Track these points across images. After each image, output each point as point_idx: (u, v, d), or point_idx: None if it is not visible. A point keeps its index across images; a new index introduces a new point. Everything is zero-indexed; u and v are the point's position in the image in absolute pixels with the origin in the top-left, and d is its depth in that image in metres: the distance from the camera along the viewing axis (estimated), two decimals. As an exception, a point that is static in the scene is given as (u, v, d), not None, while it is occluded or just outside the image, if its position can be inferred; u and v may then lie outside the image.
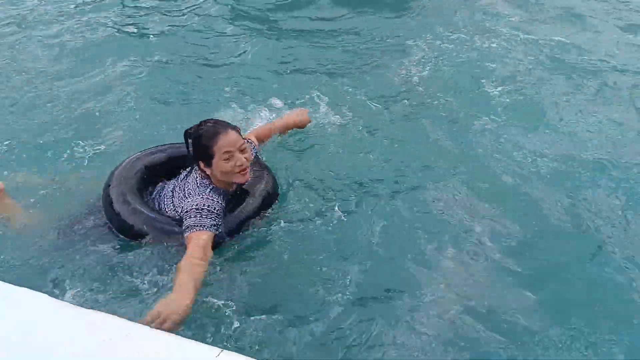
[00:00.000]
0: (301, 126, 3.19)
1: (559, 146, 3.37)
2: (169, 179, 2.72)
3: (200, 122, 2.49)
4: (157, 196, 2.66)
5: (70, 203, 2.76)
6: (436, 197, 2.93)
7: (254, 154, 2.74)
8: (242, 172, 2.46)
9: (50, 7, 5.34)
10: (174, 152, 2.80)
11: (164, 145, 2.88)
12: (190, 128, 2.51)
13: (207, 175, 2.48)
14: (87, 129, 3.44)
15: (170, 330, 1.81)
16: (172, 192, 2.57)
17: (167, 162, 2.78)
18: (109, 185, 2.59)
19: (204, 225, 2.32)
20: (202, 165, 2.46)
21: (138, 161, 2.73)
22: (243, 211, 2.53)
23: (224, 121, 2.58)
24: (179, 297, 2.00)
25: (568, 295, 2.42)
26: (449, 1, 5.39)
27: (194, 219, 2.33)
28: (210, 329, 2.16)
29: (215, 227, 2.35)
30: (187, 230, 2.32)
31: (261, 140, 3.01)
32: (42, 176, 2.94)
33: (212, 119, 2.55)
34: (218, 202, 2.43)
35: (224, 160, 2.41)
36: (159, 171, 2.76)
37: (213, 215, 2.37)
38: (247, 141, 2.71)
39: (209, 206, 2.38)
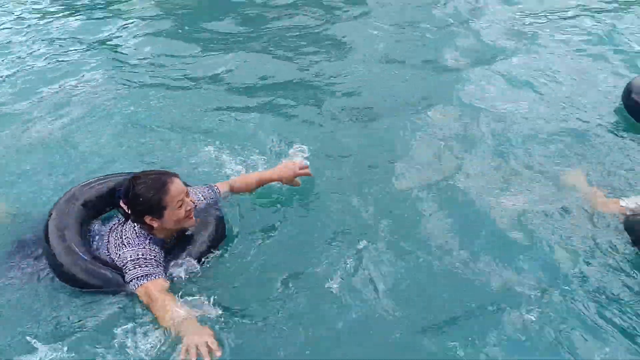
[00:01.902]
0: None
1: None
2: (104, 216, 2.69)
3: (135, 177, 2.40)
4: (95, 236, 2.60)
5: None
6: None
7: (213, 200, 2.72)
8: (190, 217, 2.45)
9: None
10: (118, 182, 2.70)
11: (107, 176, 2.82)
12: (122, 187, 2.44)
13: (148, 226, 2.41)
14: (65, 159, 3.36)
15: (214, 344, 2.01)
16: (108, 237, 2.50)
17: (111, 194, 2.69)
18: (48, 220, 2.52)
19: (158, 274, 2.31)
20: (148, 219, 2.38)
21: (81, 194, 2.64)
22: (181, 258, 2.47)
23: (163, 170, 2.54)
24: (187, 325, 2.10)
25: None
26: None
27: (144, 268, 2.31)
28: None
29: (163, 274, 2.34)
30: (138, 280, 2.29)
31: (237, 189, 2.85)
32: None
33: (148, 172, 2.47)
34: (159, 252, 2.40)
35: (177, 208, 2.38)
36: (103, 204, 2.69)
37: (160, 264, 2.35)
38: (209, 187, 2.75)
39: (154, 256, 2.36)
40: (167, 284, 2.30)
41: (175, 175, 2.46)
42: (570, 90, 4.12)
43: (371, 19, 5.45)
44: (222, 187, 2.82)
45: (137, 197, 2.34)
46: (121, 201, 2.41)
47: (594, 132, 3.56)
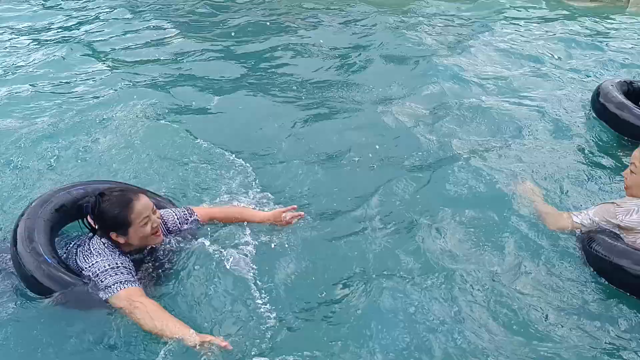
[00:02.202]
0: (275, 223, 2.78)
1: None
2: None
3: (102, 193, 2.38)
4: (66, 246, 2.54)
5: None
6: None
7: (188, 223, 2.65)
8: (157, 234, 2.43)
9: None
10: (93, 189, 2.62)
11: (86, 182, 2.77)
12: (87, 201, 2.39)
13: (115, 242, 2.38)
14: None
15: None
16: (76, 248, 2.46)
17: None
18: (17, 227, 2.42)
19: (127, 282, 2.26)
20: (114, 235, 2.36)
21: (55, 197, 2.57)
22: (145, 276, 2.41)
23: (129, 186, 2.50)
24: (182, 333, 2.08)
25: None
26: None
27: (114, 276, 2.27)
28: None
29: (135, 282, 2.29)
30: (109, 289, 2.24)
31: (217, 220, 2.78)
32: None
33: (115, 188, 2.46)
34: (130, 263, 2.37)
35: (142, 225, 2.36)
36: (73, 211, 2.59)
37: (130, 272, 2.32)
38: (186, 210, 2.69)
39: (123, 265, 2.32)
40: (140, 291, 2.27)
41: (142, 192, 2.45)
42: (542, 97, 4.25)
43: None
44: (202, 215, 2.76)
45: (102, 213, 2.33)
46: (89, 217, 2.39)
47: (562, 138, 3.65)
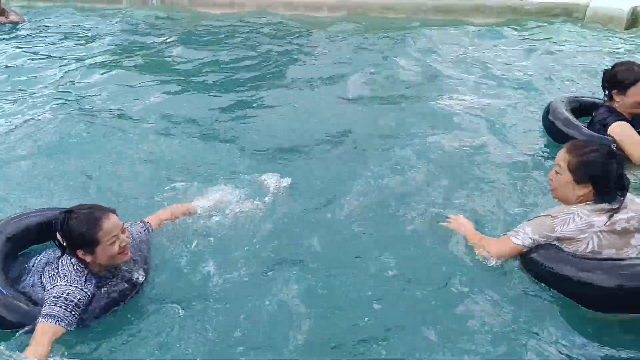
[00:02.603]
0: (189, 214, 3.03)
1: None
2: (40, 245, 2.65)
3: (70, 210, 2.38)
4: (30, 271, 2.54)
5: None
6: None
7: (145, 236, 2.73)
8: (125, 253, 2.43)
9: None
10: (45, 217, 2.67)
11: (37, 210, 2.79)
12: (56, 218, 2.40)
13: (82, 260, 2.38)
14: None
15: None
16: (43, 266, 2.47)
17: (38, 228, 2.66)
18: None
19: (63, 320, 2.24)
20: (81, 253, 2.36)
21: (6, 228, 2.61)
22: (111, 295, 2.41)
23: (98, 205, 2.48)
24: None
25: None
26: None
27: (58, 308, 2.25)
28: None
29: (71, 321, 2.27)
30: (45, 317, 2.24)
31: (160, 223, 2.93)
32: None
33: (84, 205, 2.44)
34: (88, 294, 2.34)
35: (110, 244, 2.36)
36: (31, 238, 2.67)
37: (77, 310, 2.29)
38: (142, 223, 2.80)
39: (79, 299, 2.30)
40: (60, 332, 2.23)
41: (111, 211, 2.43)
42: (494, 116, 4.34)
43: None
44: (153, 222, 2.88)
45: (70, 231, 2.33)
46: (57, 233, 2.39)
47: (511, 156, 3.71)
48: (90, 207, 2.42)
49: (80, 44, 6.94)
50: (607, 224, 2.32)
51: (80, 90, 5.24)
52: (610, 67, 3.57)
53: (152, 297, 2.52)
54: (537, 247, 2.41)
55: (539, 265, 2.38)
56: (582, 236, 2.32)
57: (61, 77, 5.65)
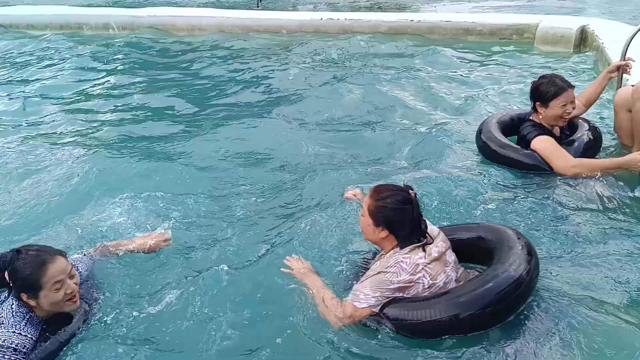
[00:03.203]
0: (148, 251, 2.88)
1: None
2: None
3: (19, 250, 2.28)
4: None
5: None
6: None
7: (87, 267, 2.61)
8: (72, 300, 2.31)
9: None
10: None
11: None
12: (5, 256, 2.30)
13: (26, 304, 2.28)
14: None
15: None
16: None
17: None
18: None
19: None
20: (24, 297, 2.26)
21: None
22: (58, 339, 2.30)
23: (49, 247, 2.38)
24: None
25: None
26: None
27: None
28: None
29: None
30: None
31: (109, 254, 2.81)
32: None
33: (33, 246, 2.35)
34: (30, 338, 2.23)
35: (54, 290, 2.24)
36: None
37: (19, 355, 2.18)
38: (88, 256, 2.68)
39: (17, 344, 2.18)
40: None
41: (60, 254, 2.32)
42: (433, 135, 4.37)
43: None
44: (96, 253, 2.76)
45: (15, 272, 2.23)
46: (6, 272, 2.27)
47: (443, 173, 3.69)
48: (39, 250, 2.30)
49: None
50: (426, 257, 2.37)
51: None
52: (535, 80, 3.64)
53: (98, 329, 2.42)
54: (384, 306, 2.35)
55: (395, 321, 2.33)
56: (415, 277, 2.35)
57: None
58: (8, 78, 6.65)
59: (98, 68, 6.84)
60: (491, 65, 6.11)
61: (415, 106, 5.04)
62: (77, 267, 2.53)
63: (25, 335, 2.21)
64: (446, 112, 4.89)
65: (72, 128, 4.98)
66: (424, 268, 2.35)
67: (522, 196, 3.33)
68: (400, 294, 2.34)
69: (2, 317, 2.25)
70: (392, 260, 2.37)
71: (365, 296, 2.34)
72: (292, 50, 7.04)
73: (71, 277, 2.30)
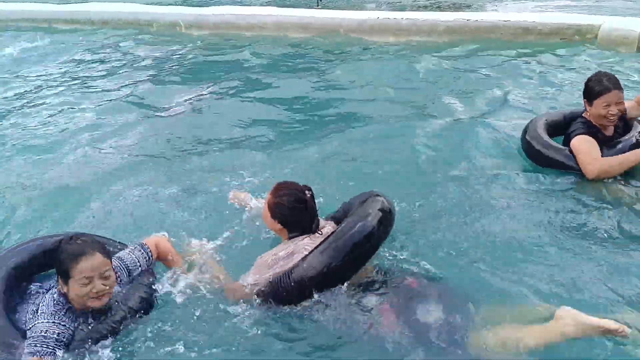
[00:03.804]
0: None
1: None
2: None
3: (71, 236, 2.37)
4: (30, 297, 2.56)
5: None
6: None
7: (145, 265, 2.64)
8: (99, 297, 2.33)
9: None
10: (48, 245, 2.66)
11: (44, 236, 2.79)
12: (60, 238, 2.40)
13: (64, 291, 2.34)
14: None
15: None
16: (36, 297, 2.50)
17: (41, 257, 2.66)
18: None
19: (46, 354, 2.22)
20: (61, 282, 2.34)
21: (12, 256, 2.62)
22: (94, 333, 2.36)
23: (97, 240, 2.41)
24: None
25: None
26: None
27: (39, 347, 2.22)
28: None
29: (56, 353, 2.25)
30: (28, 356, 2.23)
31: (163, 256, 2.82)
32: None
33: (83, 235, 2.41)
34: (68, 328, 2.30)
35: (81, 284, 2.28)
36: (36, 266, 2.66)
37: (60, 344, 2.26)
38: (143, 248, 2.67)
39: (59, 334, 2.26)
40: None
41: (103, 251, 2.35)
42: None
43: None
44: (151, 246, 2.74)
45: (57, 255, 2.33)
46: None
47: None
48: (86, 241, 2.36)
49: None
50: (311, 240, 2.60)
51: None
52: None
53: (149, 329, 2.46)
54: (265, 285, 2.54)
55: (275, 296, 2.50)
56: (294, 256, 2.56)
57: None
58: (79, 73, 7.11)
59: (161, 65, 7.22)
60: (550, 66, 6.04)
61: (469, 106, 5.08)
62: (129, 267, 2.58)
63: (64, 326, 2.29)
64: (501, 111, 4.91)
65: (132, 119, 5.30)
66: (304, 247, 2.58)
67: (558, 198, 3.36)
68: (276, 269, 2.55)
69: (43, 305, 2.34)
70: (282, 246, 2.63)
71: (253, 276, 2.57)
72: (350, 50, 7.19)
73: (104, 278, 2.32)
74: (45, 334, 2.25)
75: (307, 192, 2.65)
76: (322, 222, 2.76)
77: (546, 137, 3.70)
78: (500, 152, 4.08)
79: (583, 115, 3.68)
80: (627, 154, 3.39)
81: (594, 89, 3.50)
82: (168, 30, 8.91)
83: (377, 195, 2.71)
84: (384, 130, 4.65)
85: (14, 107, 5.88)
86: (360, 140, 4.49)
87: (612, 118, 3.49)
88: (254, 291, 2.55)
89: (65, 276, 2.31)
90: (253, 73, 6.56)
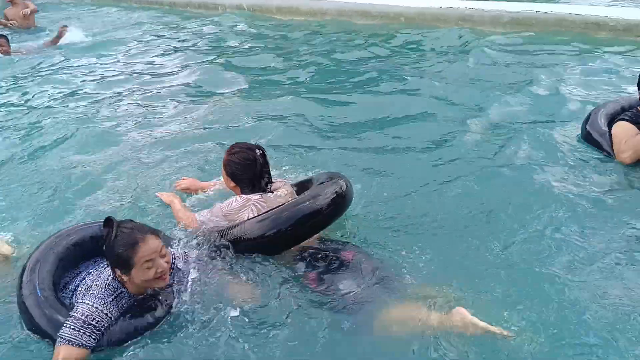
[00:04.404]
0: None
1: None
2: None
3: (112, 225, 2.30)
4: (81, 273, 2.55)
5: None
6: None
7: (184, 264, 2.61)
8: (162, 278, 2.35)
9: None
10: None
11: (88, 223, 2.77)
12: (102, 229, 2.33)
13: (120, 278, 2.33)
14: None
15: None
16: (87, 275, 2.48)
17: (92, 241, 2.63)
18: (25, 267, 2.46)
19: (81, 343, 2.19)
20: (118, 272, 2.32)
21: (63, 239, 2.60)
22: (142, 322, 2.34)
23: (142, 225, 2.41)
24: None
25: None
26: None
27: (76, 331, 2.19)
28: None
29: (91, 344, 2.21)
30: (61, 338, 2.19)
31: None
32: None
33: (126, 223, 2.35)
34: (110, 317, 2.27)
35: (146, 269, 2.29)
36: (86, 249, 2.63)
37: (97, 332, 2.23)
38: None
39: (97, 322, 2.23)
40: (82, 355, 2.20)
41: (153, 233, 2.36)
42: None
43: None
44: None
45: (109, 249, 2.29)
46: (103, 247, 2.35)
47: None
48: (132, 227, 2.34)
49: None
50: (261, 197, 2.78)
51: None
52: None
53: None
54: (210, 231, 2.73)
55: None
56: (243, 210, 2.73)
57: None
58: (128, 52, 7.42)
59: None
60: (618, 65, 5.70)
61: (534, 104, 4.83)
62: (175, 256, 2.57)
63: (106, 314, 2.27)
64: (567, 111, 4.64)
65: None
66: (254, 203, 2.75)
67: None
68: (227, 222, 2.72)
69: (96, 285, 2.34)
70: (232, 198, 2.82)
71: (205, 214, 2.83)
72: (409, 38, 7.07)
73: (162, 256, 2.34)
74: (85, 319, 2.22)
75: (257, 150, 2.83)
76: (278, 183, 2.92)
77: (602, 124, 3.73)
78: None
79: (638, 107, 3.64)
80: None
81: None
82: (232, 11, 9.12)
83: (339, 178, 2.82)
84: (435, 126, 4.53)
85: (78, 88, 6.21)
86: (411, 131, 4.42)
87: None
88: (200, 229, 2.78)
89: (126, 267, 2.29)
90: (306, 57, 6.59)
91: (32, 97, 5.90)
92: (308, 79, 5.88)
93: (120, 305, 2.34)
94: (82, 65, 7.13)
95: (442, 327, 2.26)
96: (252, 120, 4.79)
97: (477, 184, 3.38)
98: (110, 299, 2.31)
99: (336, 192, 2.69)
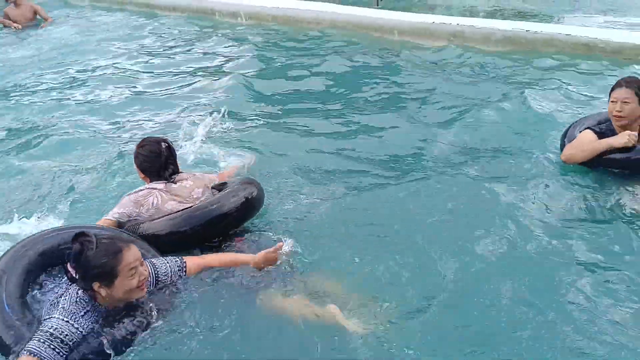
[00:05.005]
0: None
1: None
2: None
3: (86, 240, 2.20)
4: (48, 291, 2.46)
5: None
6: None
7: (174, 280, 2.57)
8: (142, 287, 2.30)
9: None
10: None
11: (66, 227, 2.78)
12: (71, 248, 2.22)
13: (94, 293, 2.24)
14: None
15: None
16: (56, 291, 2.39)
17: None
18: None
19: (41, 356, 2.09)
20: (97, 286, 2.21)
21: (33, 246, 2.51)
22: (115, 335, 2.24)
23: (118, 234, 2.38)
24: None
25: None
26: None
27: (40, 343, 2.11)
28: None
29: (53, 359, 2.12)
30: (24, 350, 2.11)
31: (217, 265, 2.82)
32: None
33: (102, 234, 2.29)
34: (80, 333, 2.18)
35: (129, 277, 2.22)
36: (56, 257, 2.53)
37: (64, 347, 2.13)
38: (180, 264, 2.61)
39: (66, 335, 2.14)
40: None
41: (132, 241, 2.35)
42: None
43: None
44: (192, 265, 2.65)
45: (88, 261, 2.18)
46: (69, 265, 2.24)
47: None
48: (111, 237, 2.29)
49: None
50: (164, 187, 3.02)
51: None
52: None
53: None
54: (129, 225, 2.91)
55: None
56: (148, 197, 2.98)
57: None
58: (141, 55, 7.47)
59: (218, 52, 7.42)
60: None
61: (517, 120, 4.89)
62: (159, 277, 2.51)
63: (77, 328, 2.18)
64: (549, 127, 4.66)
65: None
66: (157, 192, 2.99)
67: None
68: (137, 210, 2.94)
69: (65, 300, 2.23)
70: (143, 188, 3.04)
71: (116, 210, 2.97)
72: (401, 53, 7.10)
73: (142, 264, 2.30)
74: (53, 332, 2.14)
75: (162, 143, 3.09)
76: (185, 174, 3.16)
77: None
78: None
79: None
80: (597, 141, 3.58)
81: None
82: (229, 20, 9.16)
83: (249, 183, 3.09)
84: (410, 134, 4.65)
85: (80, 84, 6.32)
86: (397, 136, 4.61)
87: (615, 115, 3.56)
88: (116, 220, 2.94)
89: (109, 278, 2.20)
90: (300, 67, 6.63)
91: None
92: (289, 88, 5.96)
93: (92, 318, 2.24)
94: (73, 61, 7.31)
95: (313, 319, 2.43)
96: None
97: (445, 195, 3.57)
98: (82, 313, 2.22)
99: (245, 195, 2.97)
